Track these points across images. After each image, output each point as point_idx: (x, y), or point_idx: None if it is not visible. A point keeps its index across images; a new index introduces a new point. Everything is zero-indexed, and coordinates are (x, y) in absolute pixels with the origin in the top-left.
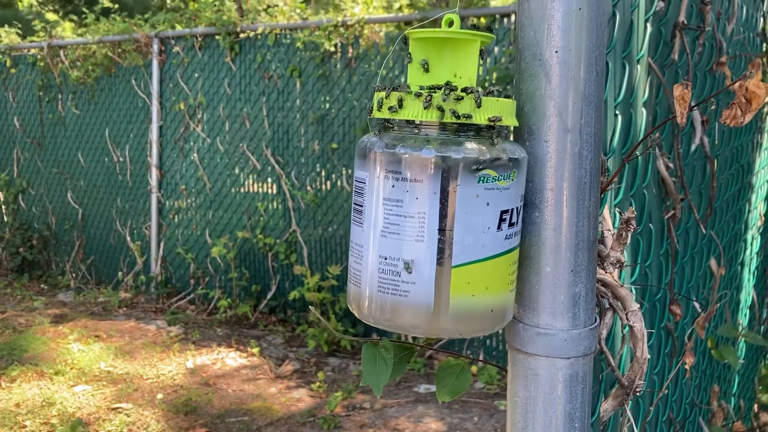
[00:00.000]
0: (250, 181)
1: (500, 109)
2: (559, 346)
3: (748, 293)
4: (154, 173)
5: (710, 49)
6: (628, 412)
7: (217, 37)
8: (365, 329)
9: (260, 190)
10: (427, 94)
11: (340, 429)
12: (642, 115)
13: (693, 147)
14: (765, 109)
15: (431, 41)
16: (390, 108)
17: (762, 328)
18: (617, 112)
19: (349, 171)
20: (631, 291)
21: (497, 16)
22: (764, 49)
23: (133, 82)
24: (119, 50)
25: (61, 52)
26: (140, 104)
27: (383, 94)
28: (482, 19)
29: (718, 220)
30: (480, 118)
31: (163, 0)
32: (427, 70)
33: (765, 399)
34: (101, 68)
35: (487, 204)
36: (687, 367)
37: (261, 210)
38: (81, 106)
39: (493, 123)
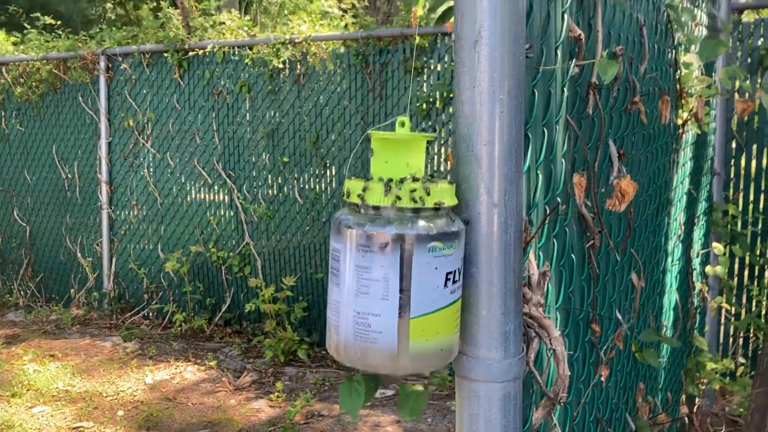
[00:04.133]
0: (202, 195)
1: (443, 194)
2: (495, 372)
3: (671, 297)
4: (104, 189)
5: (625, 91)
6: (555, 420)
7: (165, 54)
8: (320, 338)
9: (212, 204)
10: (386, 185)
11: None
12: (561, 165)
13: (612, 179)
14: (680, 131)
15: (388, 141)
16: (358, 195)
17: (687, 324)
18: (539, 172)
19: (302, 182)
20: (556, 317)
21: (438, 34)
22: (677, 77)
23: (80, 98)
24: (64, 67)
25: (3, 69)
26: (88, 121)
27: (352, 183)
28: (425, 39)
29: (638, 237)
30: (428, 203)
31: (103, 12)
32: (386, 163)
33: (691, 390)
34: (46, 85)
35: (436, 268)
36: (603, 379)
37: (213, 224)
38: (26, 123)
39: (438, 206)
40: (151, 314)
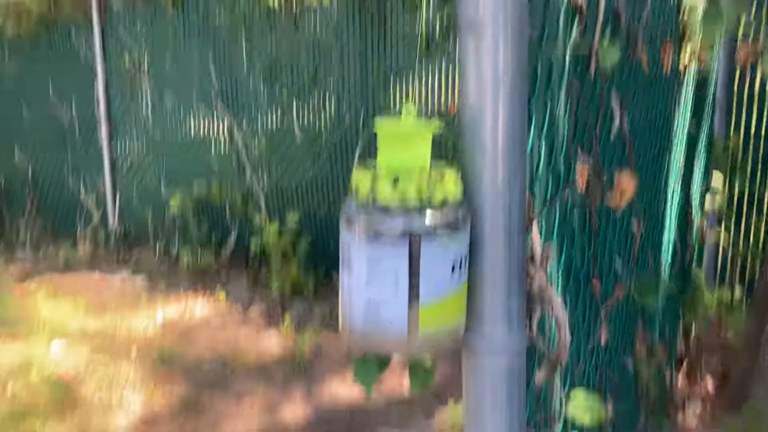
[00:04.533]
0: (202, 132)
1: (449, 186)
2: (499, 347)
3: (670, 235)
4: (104, 128)
5: (627, 41)
6: (557, 380)
7: None
8: (325, 272)
9: (212, 140)
10: (393, 181)
11: (310, 368)
12: (564, 130)
13: (614, 130)
14: (681, 67)
15: (395, 133)
16: (366, 192)
17: (686, 258)
18: (542, 141)
19: (301, 118)
20: (558, 278)
21: None
22: (680, 19)
23: (74, 36)
24: (55, 4)
25: None
26: (83, 59)
27: (360, 178)
28: None
29: (639, 183)
30: (435, 198)
31: None
32: (393, 154)
33: (688, 320)
34: (38, 23)
35: (443, 259)
36: (602, 339)
37: (215, 161)
38: (20, 62)
39: (444, 201)
40: (157, 250)
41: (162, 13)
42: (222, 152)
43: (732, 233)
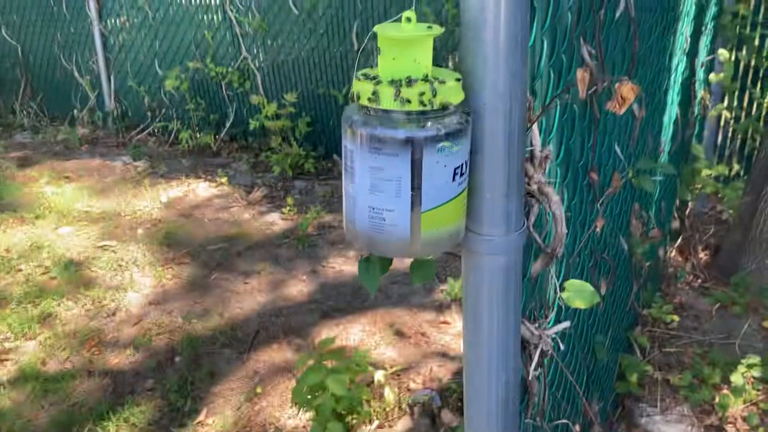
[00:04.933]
0: (194, 7)
1: (450, 93)
2: (497, 247)
3: (672, 112)
4: (92, 4)
5: None
6: (552, 270)
7: None
8: (325, 152)
9: (205, 17)
10: (395, 88)
11: (314, 247)
12: (568, 19)
13: (618, 13)
14: None
15: (395, 39)
16: (368, 99)
17: (686, 134)
18: (543, 38)
19: None
20: (556, 172)
21: None
22: None
23: None
24: None
25: None
26: None
27: (361, 85)
28: None
29: (641, 65)
30: (436, 104)
31: None
32: (393, 60)
33: (685, 195)
34: None
35: (445, 166)
36: (598, 230)
37: (208, 38)
38: None
39: (444, 107)
40: (156, 131)
41: None
42: (216, 29)
43: (735, 105)
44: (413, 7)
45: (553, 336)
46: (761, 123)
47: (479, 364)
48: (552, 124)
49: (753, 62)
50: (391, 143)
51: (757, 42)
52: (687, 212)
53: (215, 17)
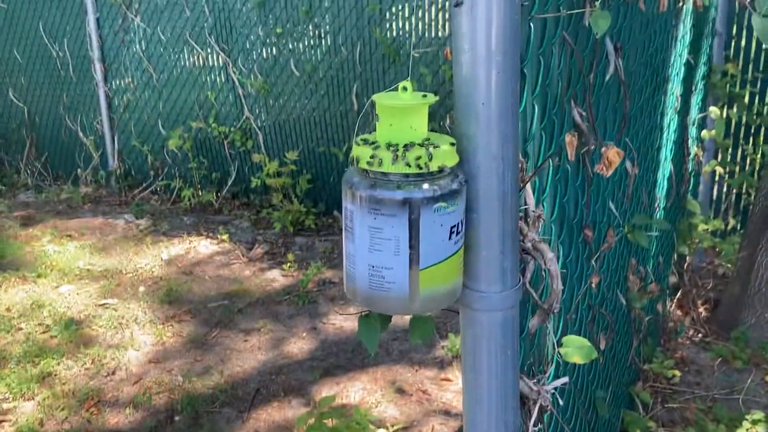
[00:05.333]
0: (197, 69)
1: (445, 156)
2: (494, 303)
3: (665, 170)
4: (98, 67)
5: None
6: (549, 326)
7: None
8: (326, 208)
9: (208, 79)
10: (393, 153)
11: (314, 303)
12: (558, 85)
13: (608, 76)
14: (680, 4)
15: (393, 107)
16: (367, 162)
17: (681, 190)
18: (535, 103)
19: (297, 53)
20: (551, 229)
21: None
22: None
23: None
24: None
25: None
26: None
27: (360, 150)
28: None
29: (633, 125)
30: (432, 167)
31: None
32: (391, 126)
33: (682, 250)
34: None
35: (441, 225)
36: (594, 284)
37: (211, 99)
38: (10, 2)
39: (440, 169)
40: (158, 190)
41: None
42: (218, 89)
43: (729, 161)
44: (409, 74)
45: (552, 391)
46: (755, 178)
47: (478, 420)
48: (545, 183)
49: (744, 119)
50: (389, 204)
51: (747, 99)
52: (685, 267)
53: (218, 79)
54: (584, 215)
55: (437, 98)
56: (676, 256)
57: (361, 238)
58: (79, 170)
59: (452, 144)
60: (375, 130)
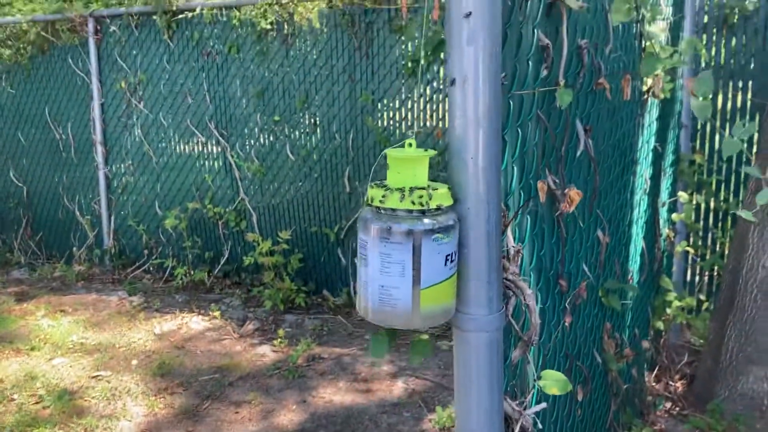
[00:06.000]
0: (196, 153)
1: (442, 197)
2: (482, 325)
3: (637, 245)
4: (100, 150)
5: (590, 74)
6: (529, 357)
7: (154, 16)
8: (316, 287)
9: (206, 162)
10: (401, 193)
11: (304, 378)
12: (533, 155)
13: (579, 152)
14: (645, 97)
15: (400, 159)
16: (380, 201)
17: (654, 267)
18: (514, 166)
19: (293, 139)
20: (530, 276)
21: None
22: (642, 48)
23: (70, 60)
24: (53, 29)
25: None
26: (79, 82)
27: (374, 191)
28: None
29: (604, 198)
30: (432, 205)
31: None
32: (398, 173)
33: (657, 325)
34: (35, 47)
35: (438, 253)
36: (567, 325)
37: (208, 181)
38: (17, 85)
39: (438, 208)
40: (151, 269)
41: (158, 37)
42: (216, 172)
43: (700, 244)
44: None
45: (533, 415)
46: (725, 260)
47: (469, 427)
48: (524, 235)
49: (712, 205)
50: (397, 234)
51: (714, 187)
52: (662, 342)
53: (216, 163)
54: (559, 270)
55: (436, 152)
56: (653, 332)
57: (374, 263)
58: (73, 248)
59: (448, 189)
60: (384, 179)
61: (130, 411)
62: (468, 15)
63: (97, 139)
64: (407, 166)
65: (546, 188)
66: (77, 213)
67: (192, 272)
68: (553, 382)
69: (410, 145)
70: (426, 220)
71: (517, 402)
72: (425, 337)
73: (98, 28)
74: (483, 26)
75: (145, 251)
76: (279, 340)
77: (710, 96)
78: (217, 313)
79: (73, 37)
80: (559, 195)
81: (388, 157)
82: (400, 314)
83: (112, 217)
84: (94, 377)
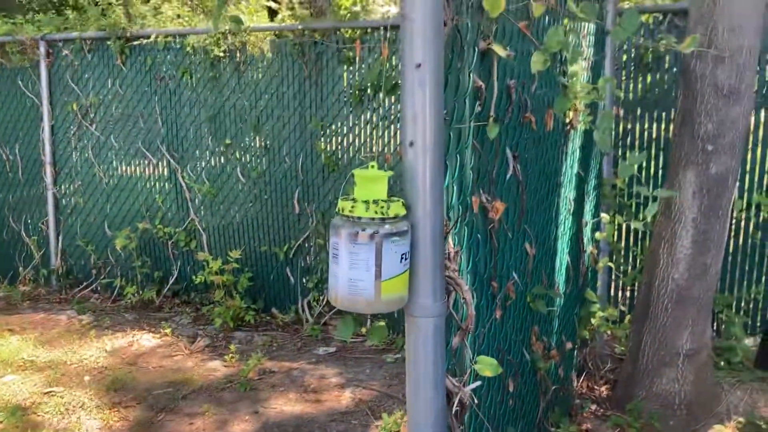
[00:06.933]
0: (146, 175)
1: (398, 208)
2: (429, 311)
3: (563, 259)
4: (49, 170)
5: (518, 109)
6: (466, 343)
7: (108, 41)
8: (264, 305)
9: (157, 183)
10: (365, 204)
11: (256, 390)
12: (470, 177)
13: (508, 175)
14: (567, 128)
15: (365, 176)
16: (349, 210)
17: (579, 281)
18: (454, 185)
19: (243, 162)
20: (467, 278)
21: (369, 29)
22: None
23: (20, 82)
24: (2, 51)
25: None
26: (29, 104)
27: (343, 203)
28: (355, 32)
29: (531, 215)
30: (390, 214)
31: None
32: (363, 189)
33: (583, 334)
34: None
35: (396, 252)
36: (497, 317)
37: (159, 202)
38: None
39: (395, 216)
40: (100, 288)
41: (110, 62)
42: (166, 193)
43: (622, 261)
44: (346, 181)
45: (470, 392)
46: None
47: (416, 400)
48: (462, 242)
49: (632, 225)
50: (363, 237)
51: (633, 209)
52: (588, 351)
53: (167, 184)
54: (492, 274)
55: (392, 172)
56: (579, 341)
57: (344, 260)
58: (19, 269)
59: (402, 202)
60: (349, 194)
61: (85, 424)
62: (418, 66)
63: (47, 160)
64: (371, 182)
65: (479, 202)
66: (23, 233)
67: (141, 291)
68: (487, 365)
69: (373, 166)
70: (386, 226)
71: (457, 379)
72: (382, 323)
73: (50, 51)
74: (430, 74)
75: (93, 271)
76: (230, 355)
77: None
78: (168, 331)
79: (24, 60)
80: (490, 209)
81: (355, 175)
82: (365, 301)
83: (60, 237)
84: (46, 393)
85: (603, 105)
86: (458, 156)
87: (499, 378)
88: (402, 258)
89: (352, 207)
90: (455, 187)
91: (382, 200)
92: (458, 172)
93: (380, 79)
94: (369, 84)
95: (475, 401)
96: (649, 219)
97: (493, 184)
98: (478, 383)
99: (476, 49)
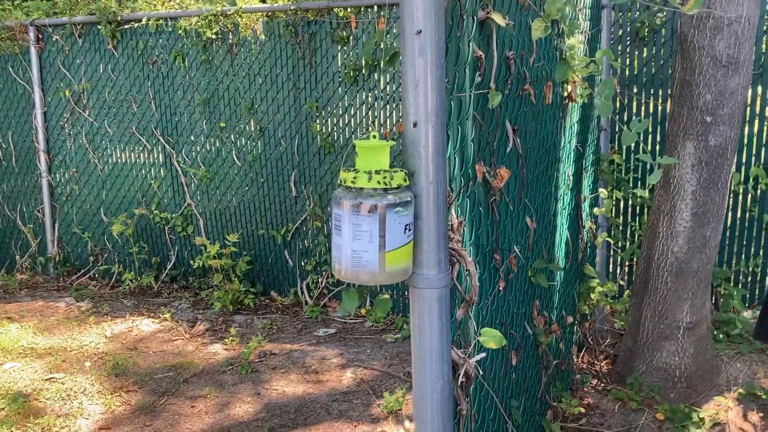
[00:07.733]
0: (142, 161)
1: (401, 179)
2: (433, 282)
3: (562, 234)
4: (43, 158)
5: (517, 81)
6: (470, 315)
7: (98, 26)
8: (264, 288)
9: (153, 168)
10: (368, 175)
11: (257, 372)
12: (471, 148)
13: (509, 149)
14: (565, 102)
15: (367, 147)
16: (351, 181)
17: (579, 256)
18: (456, 156)
19: (238, 146)
20: (470, 250)
21: (362, 7)
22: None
23: (11, 69)
24: None
25: None
26: (20, 91)
27: (345, 173)
28: (349, 11)
29: (531, 190)
30: (393, 185)
31: None
32: (365, 160)
33: (583, 309)
34: None
35: (399, 222)
36: (500, 289)
37: (155, 187)
38: None
39: (398, 186)
40: (97, 275)
41: (102, 47)
42: (162, 178)
43: (620, 236)
44: (343, 161)
45: (474, 363)
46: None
47: (423, 371)
48: (465, 213)
49: (630, 200)
50: (366, 208)
51: (631, 184)
52: (588, 326)
53: (162, 169)
54: (493, 248)
55: (395, 142)
56: (579, 316)
57: (347, 232)
58: (15, 258)
59: (405, 172)
60: (352, 166)
61: (87, 409)
62: (419, 32)
63: (40, 147)
64: (372, 153)
65: (482, 171)
66: (19, 221)
67: (139, 277)
68: (491, 337)
69: (374, 136)
70: (389, 196)
71: (462, 350)
72: (386, 296)
73: (40, 36)
74: (430, 41)
75: (91, 258)
76: (230, 338)
77: (612, 97)
78: (167, 315)
79: (14, 46)
80: (492, 181)
81: (356, 146)
82: (369, 273)
83: (56, 225)
84: (47, 379)
85: (600, 79)
86: (459, 127)
87: (502, 351)
88: (406, 229)
89: (354, 177)
90: (457, 159)
91: (385, 170)
92: (460, 143)
93: (377, 55)
94: (365, 62)
95: (480, 373)
96: (652, 184)
97: (494, 156)
98: (483, 354)
99: (475, 18)
